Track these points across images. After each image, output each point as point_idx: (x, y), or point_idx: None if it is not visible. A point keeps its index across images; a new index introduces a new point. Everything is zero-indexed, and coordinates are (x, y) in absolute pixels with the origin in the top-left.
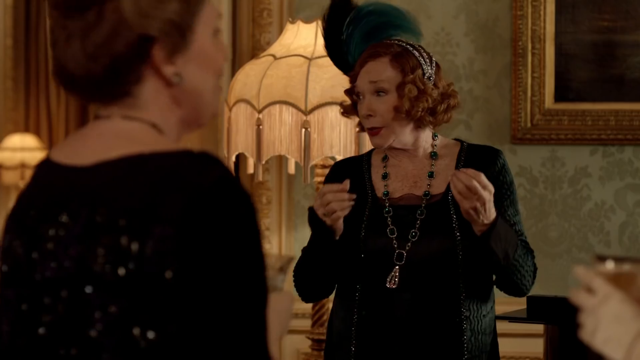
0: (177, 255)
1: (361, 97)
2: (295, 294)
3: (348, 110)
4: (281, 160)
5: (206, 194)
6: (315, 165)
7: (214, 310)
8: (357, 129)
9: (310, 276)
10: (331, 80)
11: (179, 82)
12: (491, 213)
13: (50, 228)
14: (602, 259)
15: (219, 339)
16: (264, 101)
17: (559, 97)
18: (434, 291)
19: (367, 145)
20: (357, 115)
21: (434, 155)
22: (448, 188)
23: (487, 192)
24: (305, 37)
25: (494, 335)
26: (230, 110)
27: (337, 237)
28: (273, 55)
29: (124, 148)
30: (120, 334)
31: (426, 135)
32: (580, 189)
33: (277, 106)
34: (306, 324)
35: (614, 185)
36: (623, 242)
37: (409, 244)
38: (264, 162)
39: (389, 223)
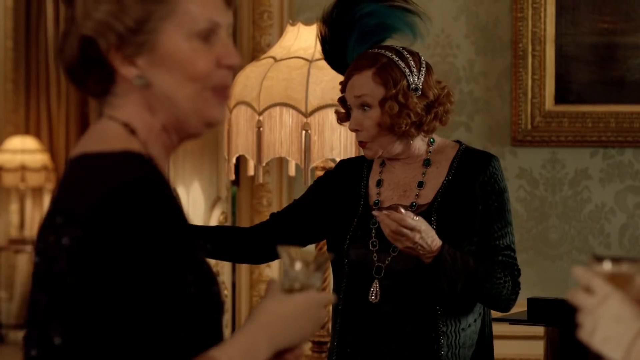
0: (83, 257)
1: (350, 108)
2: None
3: (342, 118)
4: (281, 162)
5: (113, 197)
6: (316, 168)
7: (115, 311)
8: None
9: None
10: (331, 82)
11: (143, 85)
12: (433, 245)
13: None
14: (599, 259)
15: (118, 342)
16: (264, 103)
17: (559, 99)
18: (412, 305)
19: None
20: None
21: (426, 163)
22: (435, 197)
23: (416, 232)
24: (305, 39)
25: (477, 348)
26: (230, 112)
27: None
28: (273, 58)
29: (84, 147)
30: (40, 331)
31: (419, 142)
32: (580, 191)
33: (278, 108)
34: None
35: (614, 188)
36: (623, 244)
37: (389, 257)
38: (264, 164)
39: (373, 235)
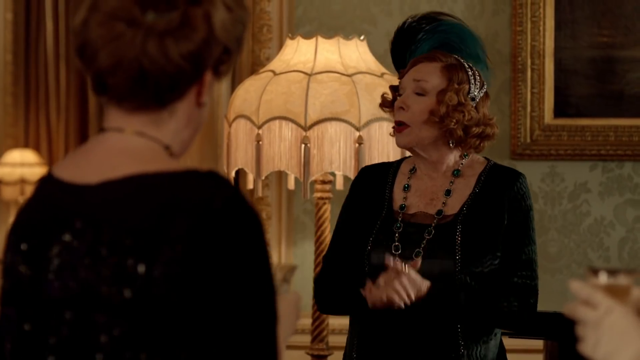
0: (185, 278)
1: (402, 92)
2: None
3: (386, 104)
4: (281, 175)
5: (215, 216)
6: (315, 181)
7: (224, 334)
8: (391, 133)
9: (334, 307)
10: (331, 95)
11: (204, 105)
12: (420, 294)
13: (53, 247)
14: (595, 271)
15: None
16: (263, 117)
17: (559, 112)
18: (433, 313)
19: (367, 161)
20: (392, 112)
21: (455, 173)
22: (461, 208)
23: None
24: (304, 52)
25: None
26: (230, 125)
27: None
28: (273, 71)
29: (130, 167)
30: (126, 359)
31: (454, 154)
32: (579, 204)
33: (277, 122)
34: (306, 339)
35: (614, 201)
36: (623, 257)
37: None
38: (263, 177)
39: (396, 239)
